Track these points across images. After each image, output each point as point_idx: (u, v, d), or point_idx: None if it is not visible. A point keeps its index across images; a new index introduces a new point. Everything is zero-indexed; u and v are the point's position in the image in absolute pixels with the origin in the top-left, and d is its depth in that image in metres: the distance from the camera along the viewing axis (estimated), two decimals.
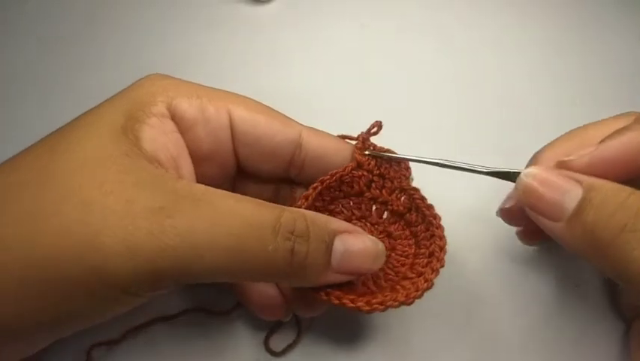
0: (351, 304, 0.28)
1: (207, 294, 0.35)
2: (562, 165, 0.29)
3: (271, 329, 0.34)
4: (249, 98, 0.32)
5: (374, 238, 0.29)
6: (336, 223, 0.28)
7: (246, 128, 0.31)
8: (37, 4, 0.54)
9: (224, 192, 0.26)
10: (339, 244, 0.27)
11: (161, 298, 0.32)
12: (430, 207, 0.32)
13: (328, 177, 0.32)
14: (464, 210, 0.38)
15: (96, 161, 0.25)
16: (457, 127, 0.44)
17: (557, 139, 0.32)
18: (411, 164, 0.33)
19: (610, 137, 0.28)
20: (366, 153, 0.32)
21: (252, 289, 0.31)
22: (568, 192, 0.27)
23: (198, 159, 0.30)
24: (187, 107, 0.29)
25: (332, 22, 0.52)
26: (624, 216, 0.25)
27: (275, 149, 0.31)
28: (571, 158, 0.29)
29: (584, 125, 0.32)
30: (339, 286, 0.29)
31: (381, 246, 0.29)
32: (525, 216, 0.29)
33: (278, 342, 0.34)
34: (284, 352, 0.34)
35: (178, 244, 0.23)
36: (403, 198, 0.33)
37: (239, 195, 0.26)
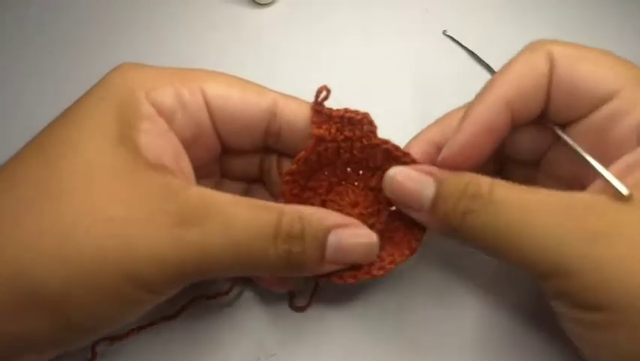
0: (368, 276, 0.30)
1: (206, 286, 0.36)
2: (443, 163, 0.30)
3: (290, 295, 0.36)
4: (221, 73, 0.32)
5: (368, 230, 0.31)
6: (332, 219, 0.30)
7: (220, 104, 0.31)
8: (39, 8, 0.54)
9: (226, 196, 0.28)
10: (333, 239, 0.29)
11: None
12: (407, 154, 0.32)
13: (294, 166, 0.32)
14: None
15: (103, 173, 0.26)
16: None
17: (430, 125, 0.34)
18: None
19: (462, 117, 0.30)
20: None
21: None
22: (426, 187, 0.29)
23: (184, 146, 0.30)
24: (163, 98, 0.29)
25: (333, 24, 0.53)
26: (464, 203, 0.27)
27: (251, 120, 0.31)
28: (444, 154, 0.30)
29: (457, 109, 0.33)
30: None
31: (375, 238, 0.30)
32: None
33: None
34: (309, 304, 0.35)
35: (197, 253, 0.26)
36: (377, 153, 0.32)
37: (240, 199, 0.28)
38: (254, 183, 0.37)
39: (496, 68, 0.47)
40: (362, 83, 0.47)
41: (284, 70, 0.48)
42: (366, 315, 0.35)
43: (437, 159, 0.31)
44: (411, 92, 0.47)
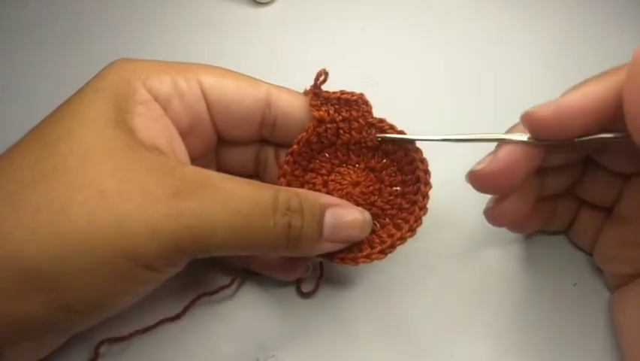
0: (368, 260, 0.31)
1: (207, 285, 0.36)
2: (527, 117, 0.28)
3: (297, 282, 0.36)
4: (216, 66, 0.32)
5: (360, 208, 0.32)
6: (326, 198, 0.31)
7: (216, 95, 0.31)
8: (38, 4, 0.54)
9: (223, 175, 0.28)
10: (329, 217, 0.30)
11: (167, 298, 0.35)
12: (401, 133, 0.32)
13: (295, 146, 0.33)
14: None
15: (99, 152, 0.26)
16: (460, 129, 0.44)
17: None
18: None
19: (575, 86, 0.28)
20: (378, 136, 0.32)
21: (274, 258, 0.34)
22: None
23: (181, 136, 0.31)
24: (159, 85, 0.30)
25: (333, 24, 0.52)
26: None
27: (246, 111, 0.32)
28: (534, 109, 0.28)
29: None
30: None
31: (367, 215, 0.32)
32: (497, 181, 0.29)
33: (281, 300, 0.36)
34: (315, 290, 0.36)
35: (194, 224, 0.26)
36: (373, 131, 0.33)
37: (237, 178, 0.29)
38: (250, 178, 0.37)
39: (495, 64, 0.48)
40: (361, 82, 0.46)
41: (283, 69, 0.48)
42: (366, 317, 0.36)
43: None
44: (411, 91, 0.47)
